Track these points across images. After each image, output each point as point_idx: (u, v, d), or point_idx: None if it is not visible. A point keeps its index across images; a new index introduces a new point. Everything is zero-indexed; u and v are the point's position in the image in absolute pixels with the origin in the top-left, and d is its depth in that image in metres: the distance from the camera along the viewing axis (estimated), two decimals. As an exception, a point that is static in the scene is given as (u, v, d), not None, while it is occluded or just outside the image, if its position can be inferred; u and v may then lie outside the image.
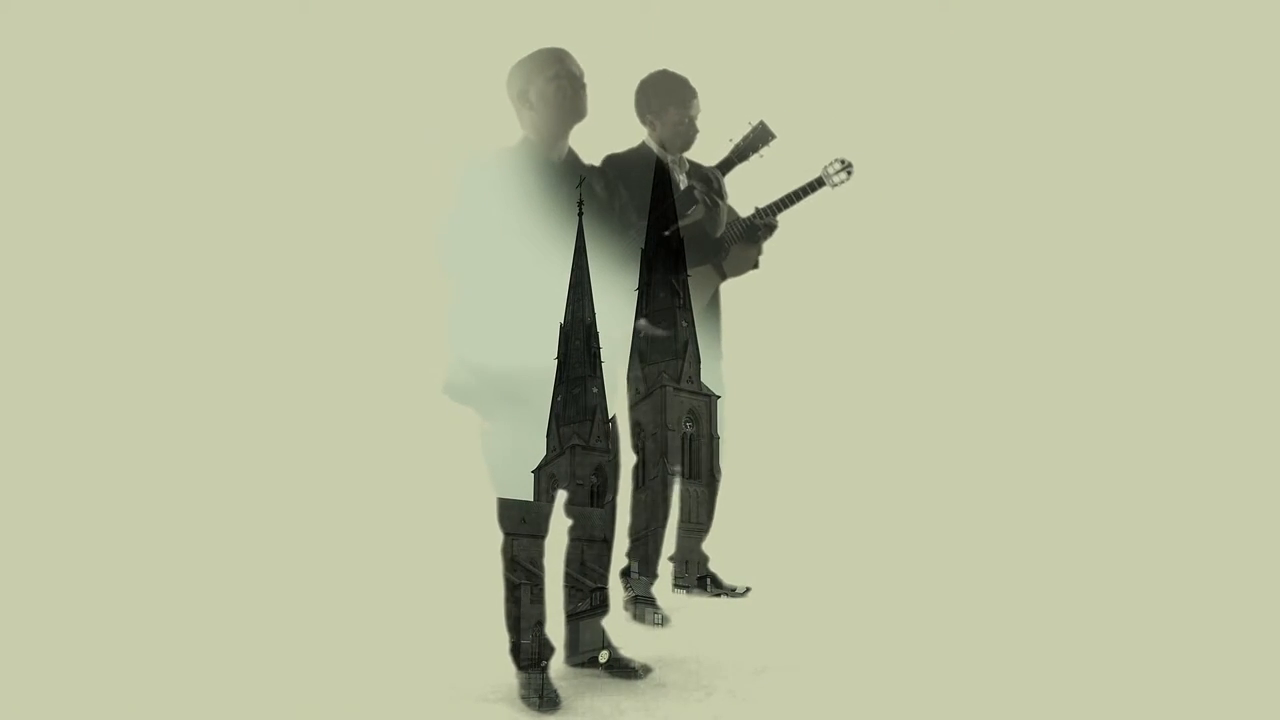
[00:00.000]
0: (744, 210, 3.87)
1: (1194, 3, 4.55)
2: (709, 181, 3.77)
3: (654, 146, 3.84)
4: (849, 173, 3.77)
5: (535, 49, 3.41)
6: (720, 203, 3.73)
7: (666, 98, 3.83)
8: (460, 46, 4.13)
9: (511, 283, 3.24)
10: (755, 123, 3.73)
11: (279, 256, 4.29)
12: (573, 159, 3.44)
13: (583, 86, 3.37)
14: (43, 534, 3.98)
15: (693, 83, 3.85)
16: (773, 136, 3.70)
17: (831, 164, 3.77)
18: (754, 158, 3.74)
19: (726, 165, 3.74)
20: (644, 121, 3.87)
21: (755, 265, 3.90)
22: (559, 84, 3.33)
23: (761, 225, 3.82)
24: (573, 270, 3.31)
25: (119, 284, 4.31)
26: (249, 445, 4.18)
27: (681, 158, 3.89)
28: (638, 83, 3.88)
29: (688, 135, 3.84)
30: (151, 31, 4.33)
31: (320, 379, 4.25)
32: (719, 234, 3.74)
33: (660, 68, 3.88)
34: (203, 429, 4.24)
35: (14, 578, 3.80)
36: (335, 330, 4.26)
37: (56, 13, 4.34)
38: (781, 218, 3.90)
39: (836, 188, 3.78)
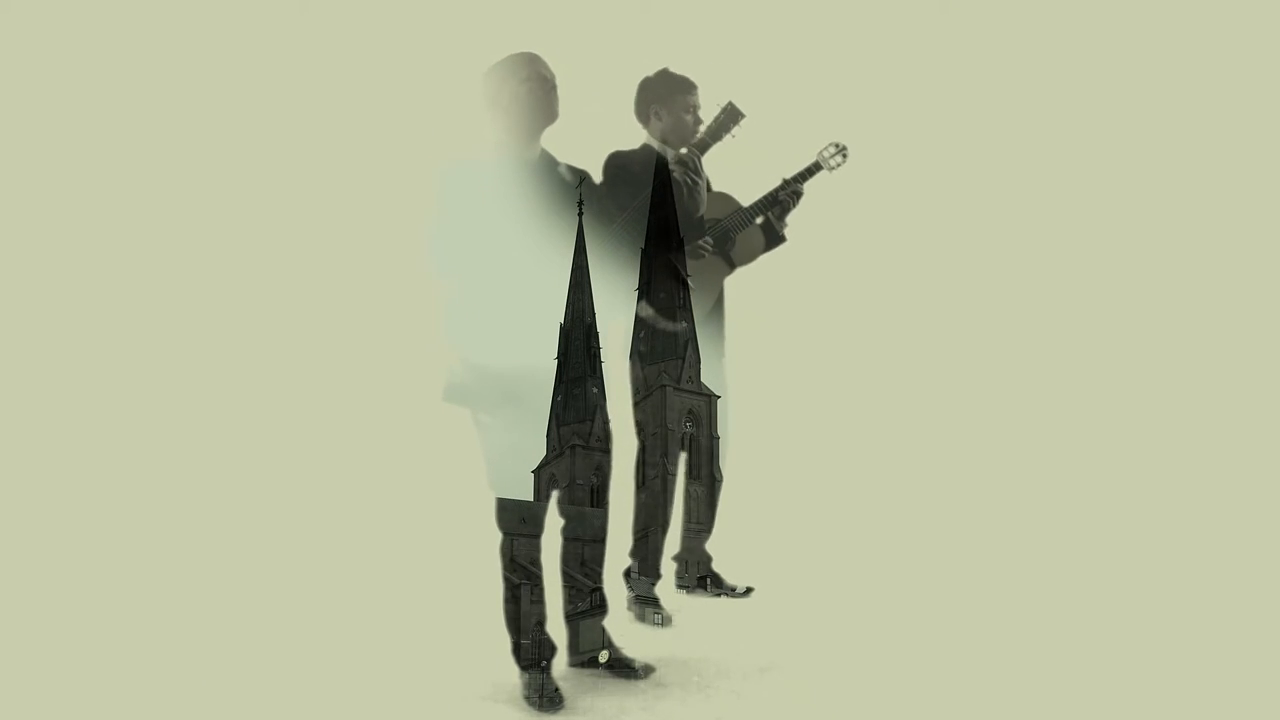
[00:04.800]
0: (744, 199, 3.86)
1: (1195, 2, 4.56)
2: (685, 164, 3.79)
3: (655, 144, 3.85)
4: (844, 156, 3.78)
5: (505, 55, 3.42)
6: (699, 181, 3.74)
7: (671, 87, 3.86)
8: (450, 50, 4.16)
9: (503, 282, 3.24)
10: (725, 104, 3.74)
11: (272, 261, 4.31)
12: (547, 159, 3.46)
13: (554, 89, 3.39)
14: (42, 535, 3.98)
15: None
16: (742, 116, 3.72)
17: (827, 148, 3.78)
18: (727, 138, 3.76)
19: (701, 148, 3.76)
20: (646, 117, 3.89)
21: (782, 239, 3.87)
22: (530, 86, 3.35)
23: (789, 195, 3.81)
24: (572, 270, 3.32)
25: (108, 286, 4.33)
26: (249, 447, 4.19)
27: (680, 154, 3.90)
28: (637, 84, 3.91)
29: (691, 127, 3.87)
30: (150, 32, 4.36)
31: (319, 380, 4.26)
32: (700, 212, 3.75)
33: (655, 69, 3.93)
34: (203, 432, 4.25)
35: (21, 578, 3.81)
36: (331, 333, 4.26)
37: (57, 13, 4.35)
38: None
39: (833, 171, 3.79)
